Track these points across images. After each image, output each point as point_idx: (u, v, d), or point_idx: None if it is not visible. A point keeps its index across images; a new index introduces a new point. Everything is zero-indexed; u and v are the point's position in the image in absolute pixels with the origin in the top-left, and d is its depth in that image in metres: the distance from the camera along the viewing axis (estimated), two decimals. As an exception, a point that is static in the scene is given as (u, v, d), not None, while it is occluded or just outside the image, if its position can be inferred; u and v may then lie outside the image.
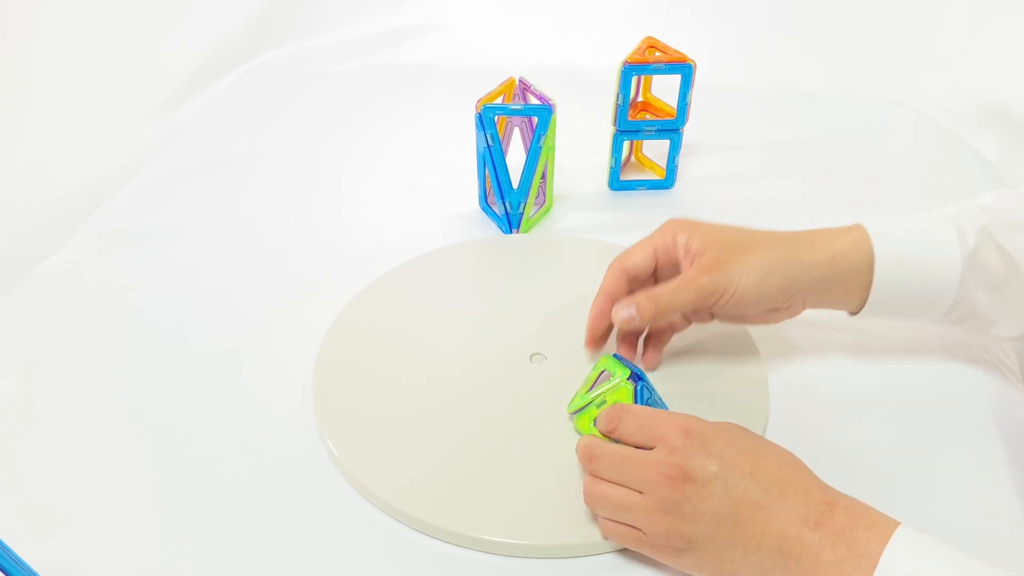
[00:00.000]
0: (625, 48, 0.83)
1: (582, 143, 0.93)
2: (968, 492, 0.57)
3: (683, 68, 0.81)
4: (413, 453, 0.59)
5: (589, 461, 0.52)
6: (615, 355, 0.58)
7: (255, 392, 0.65)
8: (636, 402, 0.55)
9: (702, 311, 0.62)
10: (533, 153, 0.78)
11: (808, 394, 0.64)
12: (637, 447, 0.51)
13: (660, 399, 0.58)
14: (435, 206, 0.87)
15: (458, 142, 0.97)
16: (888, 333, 0.69)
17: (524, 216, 0.81)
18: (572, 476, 0.56)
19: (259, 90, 1.11)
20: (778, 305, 0.60)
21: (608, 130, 0.86)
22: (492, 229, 0.82)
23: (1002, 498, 0.57)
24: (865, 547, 0.44)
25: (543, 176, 0.82)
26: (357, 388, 0.64)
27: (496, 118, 0.76)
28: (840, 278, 0.59)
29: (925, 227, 0.60)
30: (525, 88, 0.81)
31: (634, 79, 0.83)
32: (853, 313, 0.62)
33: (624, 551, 0.53)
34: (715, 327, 0.68)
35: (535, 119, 0.77)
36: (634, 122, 0.85)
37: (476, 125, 0.77)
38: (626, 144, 0.89)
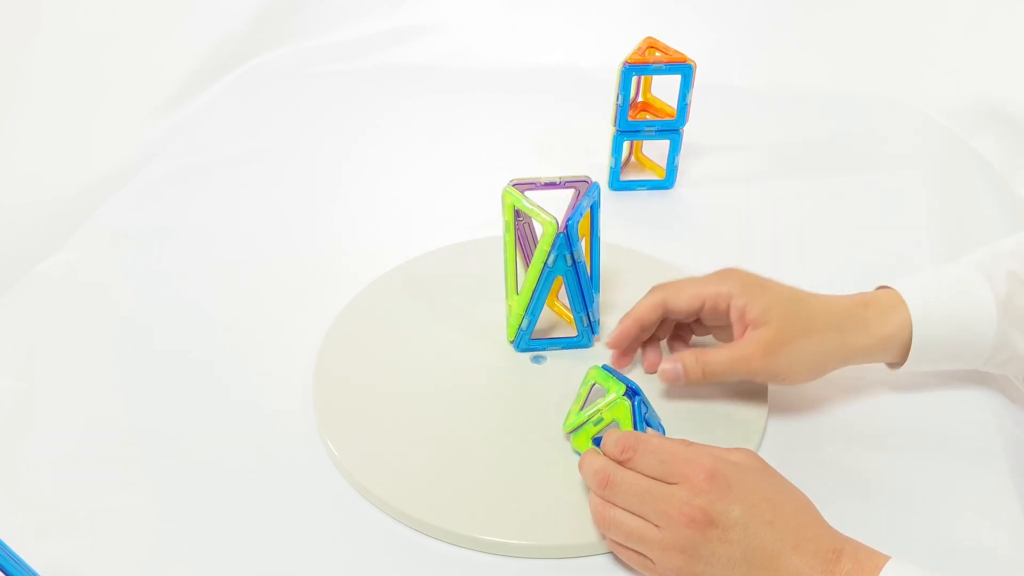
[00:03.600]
0: (625, 48, 0.83)
1: (582, 143, 0.93)
2: (969, 497, 0.57)
3: (683, 68, 0.81)
4: (413, 453, 0.59)
5: (604, 487, 0.51)
6: (604, 366, 0.58)
7: (255, 393, 0.65)
8: (634, 418, 0.55)
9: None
10: (596, 240, 0.64)
11: (806, 404, 0.64)
12: (652, 477, 0.51)
13: (655, 413, 0.58)
14: (435, 206, 0.87)
15: (458, 142, 0.97)
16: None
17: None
18: (572, 477, 0.56)
19: (259, 90, 1.11)
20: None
21: (608, 130, 0.86)
22: (492, 228, 0.75)
23: (1003, 505, 0.56)
24: None
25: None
26: (357, 389, 0.64)
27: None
28: (887, 354, 0.61)
29: (956, 280, 0.61)
30: (531, 186, 0.62)
31: (634, 79, 0.83)
32: (894, 367, 0.62)
33: (624, 551, 0.53)
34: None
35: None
36: (634, 122, 0.85)
37: (553, 247, 0.59)
38: (626, 144, 0.89)
